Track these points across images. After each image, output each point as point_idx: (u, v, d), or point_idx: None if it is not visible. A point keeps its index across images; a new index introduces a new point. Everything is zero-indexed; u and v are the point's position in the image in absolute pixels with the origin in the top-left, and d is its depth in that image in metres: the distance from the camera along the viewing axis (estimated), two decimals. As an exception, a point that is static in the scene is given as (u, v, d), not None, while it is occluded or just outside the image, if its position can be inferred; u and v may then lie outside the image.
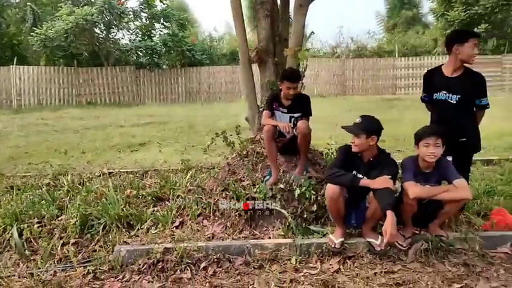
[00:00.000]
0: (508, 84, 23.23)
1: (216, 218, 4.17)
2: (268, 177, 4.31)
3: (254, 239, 3.84)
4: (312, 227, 3.89)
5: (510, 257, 3.48)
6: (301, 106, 4.36)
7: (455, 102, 3.74)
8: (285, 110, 4.41)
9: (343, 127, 3.52)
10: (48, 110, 18.41)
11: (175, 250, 3.51)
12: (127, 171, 6.36)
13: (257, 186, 4.16)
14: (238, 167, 4.53)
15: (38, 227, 4.10)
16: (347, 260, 3.49)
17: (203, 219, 4.23)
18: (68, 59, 22.38)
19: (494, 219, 3.91)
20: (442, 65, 3.90)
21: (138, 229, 4.07)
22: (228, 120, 13.22)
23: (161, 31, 24.83)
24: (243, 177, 4.37)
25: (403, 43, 26.77)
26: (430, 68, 4.06)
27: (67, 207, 4.46)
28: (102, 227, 4.05)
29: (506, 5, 22.52)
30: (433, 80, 3.88)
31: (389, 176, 3.30)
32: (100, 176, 6.07)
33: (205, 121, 13.56)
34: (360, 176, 3.51)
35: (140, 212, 4.30)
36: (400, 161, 3.69)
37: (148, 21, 24.93)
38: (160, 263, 3.45)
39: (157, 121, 14.40)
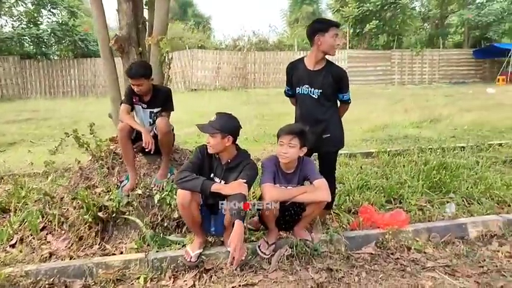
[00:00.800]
0: (397, 78, 24.78)
1: (63, 232, 3.61)
2: (125, 182, 3.82)
3: (104, 254, 3.34)
4: (171, 237, 3.49)
5: (374, 258, 3.37)
6: (162, 100, 3.93)
7: (316, 96, 3.54)
8: (145, 105, 3.95)
9: (197, 125, 3.15)
10: None
11: (-3, 277, 2.91)
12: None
13: (111, 193, 3.65)
14: (93, 171, 3.97)
15: None
16: (203, 274, 3.13)
17: (47, 233, 3.64)
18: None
19: (361, 217, 3.81)
20: (305, 56, 3.68)
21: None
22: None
23: (49, 18, 22.88)
24: (97, 183, 3.83)
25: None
26: (292, 60, 3.83)
27: None
28: None
29: (393, 3, 23.97)
30: (296, 73, 3.65)
31: (244, 180, 2.99)
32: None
33: (93, 116, 12.54)
34: (217, 179, 3.18)
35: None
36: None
37: (33, 7, 22.83)
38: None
39: (39, 117, 13.12)
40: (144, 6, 4.71)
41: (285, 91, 3.84)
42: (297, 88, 3.62)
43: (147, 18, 4.70)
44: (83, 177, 3.94)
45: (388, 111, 11.78)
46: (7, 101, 20.09)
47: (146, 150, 3.71)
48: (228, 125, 3.09)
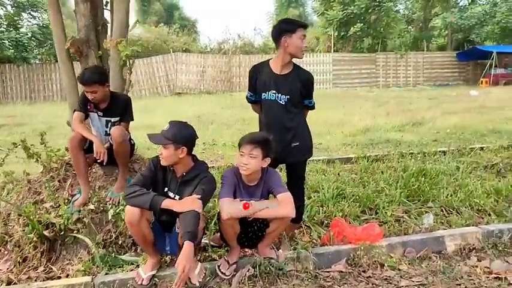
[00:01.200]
0: (382, 81, 24.74)
1: (6, 252, 3.30)
2: (77, 195, 3.53)
3: (48, 278, 3.05)
4: (124, 257, 3.21)
5: (344, 276, 3.12)
6: (120, 109, 3.66)
7: (284, 103, 3.29)
8: (101, 113, 3.67)
9: (148, 136, 2.88)
10: None
11: None
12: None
13: (60, 208, 3.35)
14: (43, 185, 3.66)
15: None
16: (156, 299, 2.86)
17: (-11, 254, 3.33)
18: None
19: (332, 230, 3.56)
20: (270, 59, 3.43)
21: None
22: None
23: (29, 21, 22.42)
24: (46, 198, 3.53)
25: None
26: (256, 63, 3.57)
27: None
28: None
29: (377, 6, 23.91)
30: (260, 77, 3.38)
31: (199, 196, 2.73)
32: None
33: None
34: (171, 194, 2.91)
35: None
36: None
37: (14, 10, 22.36)
38: None
39: (14, 123, 12.70)
40: (105, 7, 4.43)
41: (247, 96, 3.58)
42: (263, 94, 3.36)
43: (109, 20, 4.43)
44: (32, 191, 3.64)
45: (371, 114, 11.61)
46: (-15, 106, 19.57)
47: (98, 161, 3.43)
48: (182, 135, 2.83)
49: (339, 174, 5.60)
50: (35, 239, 3.20)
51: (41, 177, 3.76)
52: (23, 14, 22.61)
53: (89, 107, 3.63)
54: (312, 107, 3.46)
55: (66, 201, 3.49)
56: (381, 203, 4.33)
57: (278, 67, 3.30)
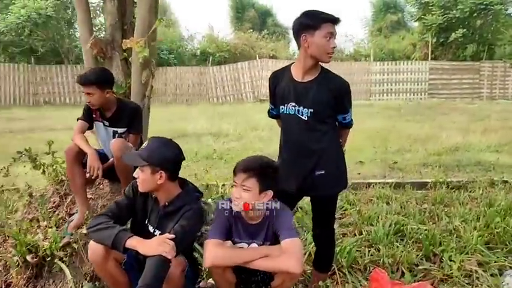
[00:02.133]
0: (486, 92, 22.28)
1: (-6, 274, 2.97)
2: (75, 215, 3.12)
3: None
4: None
5: None
6: (127, 119, 3.20)
7: (306, 118, 2.56)
8: (107, 123, 3.24)
9: (123, 155, 2.34)
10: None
11: None
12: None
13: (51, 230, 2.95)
14: (39, 200, 3.31)
15: None
16: None
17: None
18: (26, 56, 20.93)
19: (372, 285, 2.74)
20: (292, 63, 2.70)
21: None
22: (173, 124, 12.08)
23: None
24: (42, 216, 3.16)
25: (381, 47, 25.80)
26: (277, 69, 2.84)
27: None
28: None
29: (484, 9, 21.57)
30: (280, 86, 2.68)
31: (172, 236, 2.12)
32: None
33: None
34: (151, 228, 2.35)
35: None
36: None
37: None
38: None
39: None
40: (135, 6, 4.04)
41: (268, 110, 2.89)
42: (281, 106, 2.65)
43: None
44: (32, 206, 3.31)
45: (465, 130, 10.15)
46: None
47: (92, 177, 2.98)
48: (161, 156, 2.25)
49: (405, 203, 4.66)
50: (20, 263, 2.83)
51: (46, 191, 3.42)
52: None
53: (94, 116, 3.23)
54: (348, 125, 2.68)
55: (62, 221, 3.10)
56: (449, 249, 3.39)
57: (299, 73, 2.58)
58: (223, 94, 22.01)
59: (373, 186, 5.30)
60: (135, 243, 2.11)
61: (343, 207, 4.56)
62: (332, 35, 2.44)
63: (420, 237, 3.61)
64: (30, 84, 20.71)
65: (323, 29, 2.42)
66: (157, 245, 2.07)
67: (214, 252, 2.19)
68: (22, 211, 3.35)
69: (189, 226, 2.20)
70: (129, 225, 2.48)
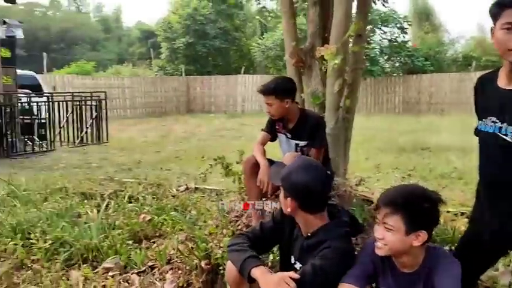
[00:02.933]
0: None
1: (180, 272, 3.19)
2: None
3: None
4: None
5: None
6: (307, 131, 2.99)
7: (511, 139, 1.79)
8: (289, 135, 3.09)
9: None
10: (249, 116, 18.69)
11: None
12: (212, 189, 5.74)
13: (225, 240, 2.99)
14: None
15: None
16: None
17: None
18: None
19: None
20: (500, 68, 1.92)
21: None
22: (416, 135, 11.23)
23: (380, 36, 23.42)
24: (225, 224, 3.23)
25: None
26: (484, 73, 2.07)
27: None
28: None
29: None
30: (484, 93, 1.97)
31: (297, 276, 1.76)
32: (182, 191, 5.67)
33: (408, 136, 11.52)
34: (292, 259, 2.05)
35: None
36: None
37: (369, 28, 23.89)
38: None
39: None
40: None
41: (475, 128, 2.17)
42: (479, 122, 1.95)
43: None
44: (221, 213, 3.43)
45: None
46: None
47: (262, 192, 2.87)
48: (291, 180, 1.95)
49: None
50: (197, 266, 2.97)
51: (234, 199, 3.52)
52: (376, 29, 23.79)
53: (277, 127, 3.13)
54: None
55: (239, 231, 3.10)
56: None
57: (504, 77, 1.83)
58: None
59: None
60: (258, 274, 1.86)
61: None
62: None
63: None
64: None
65: (503, 17, 1.68)
66: (275, 283, 1.77)
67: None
68: (212, 217, 3.53)
69: (322, 267, 1.81)
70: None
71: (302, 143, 3.04)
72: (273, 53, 21.79)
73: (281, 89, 2.97)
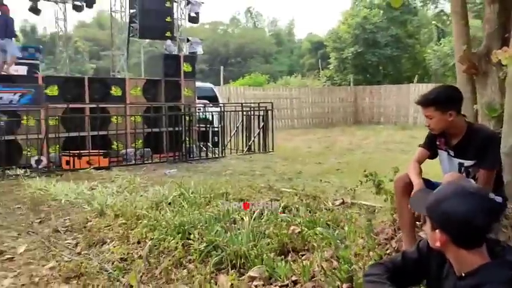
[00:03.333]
0: None
1: None
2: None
3: None
4: None
5: None
6: (474, 149, 2.53)
7: None
8: (452, 152, 2.67)
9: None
10: (421, 129, 17.55)
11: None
12: (369, 205, 5.43)
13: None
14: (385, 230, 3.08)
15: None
16: None
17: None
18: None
19: None
20: None
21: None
22: None
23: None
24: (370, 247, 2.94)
25: None
26: None
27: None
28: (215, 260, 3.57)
29: None
30: None
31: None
32: (337, 205, 5.51)
33: None
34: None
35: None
36: None
37: None
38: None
39: None
40: None
41: None
42: None
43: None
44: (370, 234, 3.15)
45: None
46: None
47: (415, 215, 2.52)
48: (442, 210, 1.60)
49: None
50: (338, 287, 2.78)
51: (385, 221, 3.20)
52: None
53: (438, 143, 2.74)
54: None
55: (387, 256, 2.80)
56: None
57: None
58: None
59: None
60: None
61: None
62: None
63: None
64: None
65: None
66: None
67: None
68: (362, 235, 3.27)
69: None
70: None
71: (467, 163, 2.59)
72: (452, 60, 19.98)
73: (443, 99, 2.58)
